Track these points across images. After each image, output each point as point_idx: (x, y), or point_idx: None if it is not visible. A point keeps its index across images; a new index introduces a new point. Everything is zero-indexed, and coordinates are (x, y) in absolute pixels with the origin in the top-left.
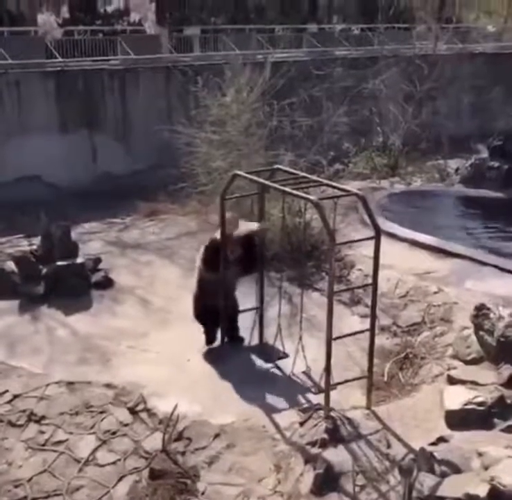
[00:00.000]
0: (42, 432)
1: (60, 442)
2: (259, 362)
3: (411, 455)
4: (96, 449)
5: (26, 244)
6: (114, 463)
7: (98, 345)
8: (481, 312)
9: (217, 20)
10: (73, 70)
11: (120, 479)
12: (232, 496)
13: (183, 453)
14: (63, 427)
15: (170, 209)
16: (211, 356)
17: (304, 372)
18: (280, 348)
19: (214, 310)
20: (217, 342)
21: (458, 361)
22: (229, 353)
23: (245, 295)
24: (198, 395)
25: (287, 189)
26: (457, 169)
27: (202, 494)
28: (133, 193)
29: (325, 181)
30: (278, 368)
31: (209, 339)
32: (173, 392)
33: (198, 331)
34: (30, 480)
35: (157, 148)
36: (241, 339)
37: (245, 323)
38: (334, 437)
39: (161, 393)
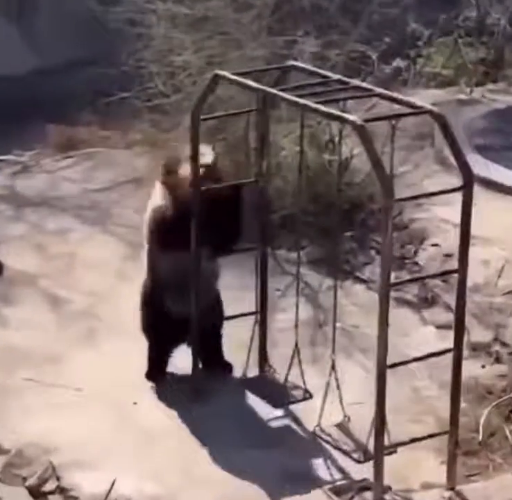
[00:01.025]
0: None
1: None
2: (261, 408)
3: None
4: None
5: None
6: None
7: None
8: None
9: None
10: None
11: None
12: None
13: None
14: None
15: (101, 137)
16: (174, 396)
17: (339, 425)
18: (297, 382)
19: (175, 317)
20: (182, 370)
21: None
22: (205, 390)
23: (233, 290)
24: (153, 465)
25: (309, 102)
26: None
27: None
28: (37, 109)
29: (377, 89)
30: (293, 418)
31: (158, 368)
32: (107, 459)
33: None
34: None
35: (80, 30)
36: (228, 367)
37: (235, 338)
38: None
39: (87, 461)
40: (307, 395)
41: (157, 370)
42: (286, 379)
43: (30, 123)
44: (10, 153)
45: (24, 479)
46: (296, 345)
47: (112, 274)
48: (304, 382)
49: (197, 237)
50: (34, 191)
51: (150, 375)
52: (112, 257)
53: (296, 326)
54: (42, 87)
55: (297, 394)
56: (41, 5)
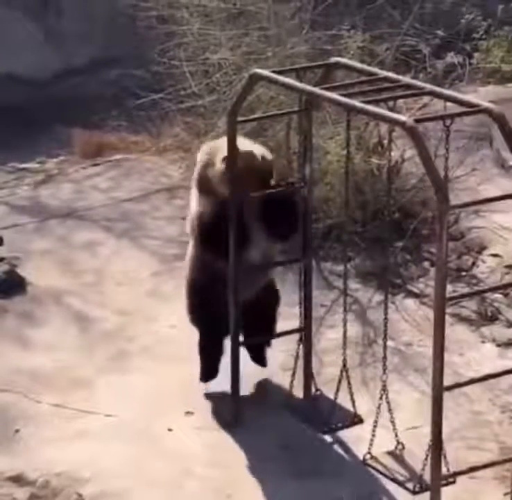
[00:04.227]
0: None
1: None
2: (307, 433)
3: None
4: None
5: None
6: None
7: None
8: None
9: None
10: None
11: None
12: None
13: None
14: None
15: (130, 143)
16: (213, 421)
17: (391, 452)
18: (346, 406)
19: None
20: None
21: None
22: (246, 414)
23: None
24: (189, 497)
25: (355, 101)
26: None
27: None
28: (61, 113)
29: (429, 87)
30: (342, 444)
31: (212, 365)
32: (140, 490)
33: (184, 372)
34: None
35: (106, 29)
36: (262, 361)
37: (278, 357)
38: None
39: (118, 492)
40: (356, 420)
41: (210, 368)
42: (333, 402)
43: (54, 129)
44: (33, 160)
45: None
46: (344, 365)
47: (144, 291)
48: (353, 406)
49: (236, 239)
50: (59, 201)
51: (206, 373)
52: (143, 272)
53: (344, 344)
54: (67, 90)
55: (346, 418)
56: (66, 4)
